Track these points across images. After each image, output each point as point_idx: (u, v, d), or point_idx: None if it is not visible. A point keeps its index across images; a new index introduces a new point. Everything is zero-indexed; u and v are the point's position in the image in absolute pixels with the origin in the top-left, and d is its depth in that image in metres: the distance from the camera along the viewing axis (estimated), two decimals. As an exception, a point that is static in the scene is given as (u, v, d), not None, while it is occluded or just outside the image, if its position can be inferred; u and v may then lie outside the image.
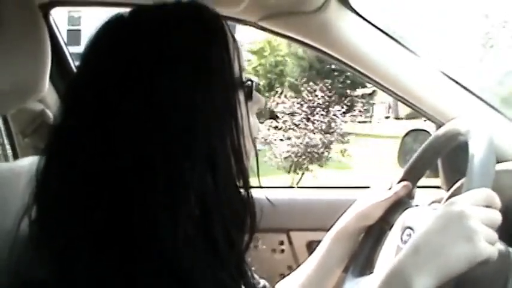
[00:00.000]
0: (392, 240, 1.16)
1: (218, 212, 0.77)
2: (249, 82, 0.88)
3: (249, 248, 0.90)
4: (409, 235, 1.10)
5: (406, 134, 1.70)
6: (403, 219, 1.16)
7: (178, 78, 0.76)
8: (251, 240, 0.86)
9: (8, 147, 1.70)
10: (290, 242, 1.86)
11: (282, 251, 1.88)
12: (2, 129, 1.72)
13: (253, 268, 1.11)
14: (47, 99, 1.45)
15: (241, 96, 0.85)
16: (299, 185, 9.53)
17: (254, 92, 0.91)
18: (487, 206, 0.86)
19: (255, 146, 0.90)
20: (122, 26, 0.82)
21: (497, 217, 0.86)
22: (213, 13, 0.85)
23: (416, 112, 1.65)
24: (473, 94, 1.56)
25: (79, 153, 0.75)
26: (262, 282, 1.15)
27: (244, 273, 0.87)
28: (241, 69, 0.85)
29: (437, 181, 1.61)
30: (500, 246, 0.93)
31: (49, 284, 0.70)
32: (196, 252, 0.74)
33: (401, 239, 1.12)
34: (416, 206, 1.20)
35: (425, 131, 1.62)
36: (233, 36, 0.86)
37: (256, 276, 1.11)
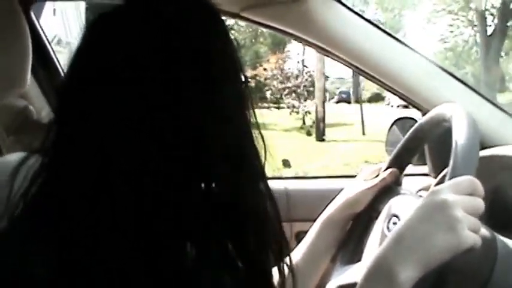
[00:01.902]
0: (379, 228, 1.16)
1: (244, 212, 0.79)
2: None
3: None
4: (395, 223, 1.10)
5: (393, 123, 1.70)
6: (389, 206, 1.16)
7: (198, 70, 0.76)
8: (281, 232, 0.88)
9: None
10: (278, 233, 1.85)
11: (271, 242, 1.86)
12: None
13: None
14: (30, 94, 1.45)
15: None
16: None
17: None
18: (470, 194, 0.86)
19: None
20: (124, 17, 0.80)
21: (480, 205, 0.85)
22: (209, 6, 0.84)
23: (402, 99, 1.64)
24: (459, 80, 1.55)
25: (77, 149, 0.74)
26: None
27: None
28: (240, 63, 0.85)
29: (425, 169, 1.61)
30: (486, 232, 0.93)
31: (47, 281, 0.70)
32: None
33: (387, 227, 1.12)
34: (404, 193, 1.19)
35: (412, 118, 1.62)
36: (229, 30, 0.86)
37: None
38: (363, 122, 18.09)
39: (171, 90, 0.74)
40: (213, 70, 0.78)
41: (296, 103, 19.62)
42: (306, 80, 19.43)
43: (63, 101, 0.80)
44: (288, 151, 11.78)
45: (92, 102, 0.75)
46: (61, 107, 0.80)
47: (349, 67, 1.64)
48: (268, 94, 19.73)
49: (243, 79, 0.85)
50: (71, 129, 0.76)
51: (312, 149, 14.79)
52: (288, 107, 20.04)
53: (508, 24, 25.05)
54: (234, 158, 0.78)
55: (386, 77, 1.58)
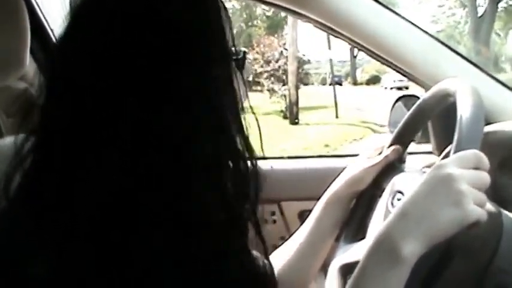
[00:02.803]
0: (383, 205, 1.16)
1: (223, 184, 0.78)
2: (244, 52, 0.88)
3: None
4: (399, 199, 1.09)
5: (397, 100, 1.69)
6: (393, 183, 1.16)
7: (177, 50, 0.75)
8: (255, 212, 0.86)
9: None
10: (282, 213, 1.87)
11: (274, 221, 1.88)
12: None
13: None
14: (30, 76, 1.43)
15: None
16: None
17: (246, 62, 0.90)
18: (476, 168, 0.85)
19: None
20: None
21: (485, 179, 0.84)
22: None
23: (405, 76, 1.64)
24: (462, 56, 1.54)
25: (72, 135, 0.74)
26: (253, 252, 1.15)
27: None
28: (233, 39, 0.84)
29: (429, 147, 1.60)
30: (491, 207, 0.92)
31: (46, 280, 0.69)
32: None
33: (392, 203, 1.12)
34: (408, 170, 1.19)
35: (416, 96, 1.61)
36: (224, 6, 0.84)
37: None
38: (336, 104, 18.23)
39: (156, 72, 0.74)
40: (198, 50, 0.77)
41: (276, 87, 19.71)
42: (285, 63, 19.40)
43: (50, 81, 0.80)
44: (258, 134, 11.83)
45: (78, 85, 0.74)
46: (49, 86, 0.79)
47: (351, 44, 1.63)
48: (250, 78, 19.81)
49: (235, 58, 0.85)
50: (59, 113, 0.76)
51: (284, 132, 14.87)
52: (268, 91, 20.15)
53: (499, 5, 25.14)
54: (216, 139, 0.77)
55: (388, 53, 1.58)
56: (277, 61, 20.02)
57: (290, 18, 18.55)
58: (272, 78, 19.95)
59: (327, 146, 12.19)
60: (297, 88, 18.23)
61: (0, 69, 1.08)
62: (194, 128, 0.75)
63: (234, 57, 0.85)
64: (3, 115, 1.60)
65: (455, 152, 0.88)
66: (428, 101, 1.17)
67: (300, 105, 18.73)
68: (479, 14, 26.10)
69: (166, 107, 0.74)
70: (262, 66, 20.06)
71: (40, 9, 1.72)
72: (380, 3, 1.55)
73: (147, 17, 0.76)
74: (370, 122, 16.16)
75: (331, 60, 22.10)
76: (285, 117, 18.20)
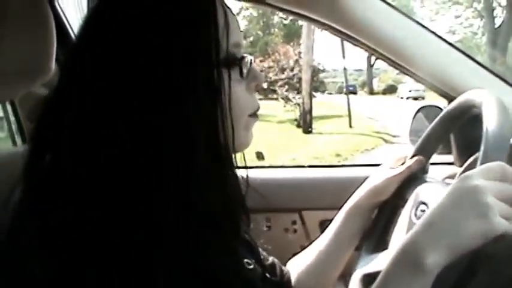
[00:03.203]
0: (406, 215, 1.15)
1: (204, 193, 0.78)
2: (242, 58, 0.88)
3: (246, 229, 0.91)
4: (423, 211, 1.09)
5: (418, 111, 1.68)
6: (416, 194, 1.15)
7: (157, 58, 0.77)
8: (247, 220, 0.90)
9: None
10: (303, 222, 1.86)
11: (295, 230, 1.87)
12: (11, 114, 1.72)
13: (264, 248, 1.11)
14: (54, 83, 1.44)
15: (234, 74, 0.85)
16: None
17: (251, 69, 0.91)
18: (502, 180, 0.84)
19: (253, 118, 0.92)
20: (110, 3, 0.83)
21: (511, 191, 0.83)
22: None
23: (428, 87, 1.63)
24: (483, 66, 1.53)
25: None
26: (271, 258, 1.15)
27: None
28: (230, 43, 0.84)
29: (450, 158, 1.59)
30: None
31: (47, 284, 0.70)
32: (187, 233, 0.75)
33: (415, 214, 1.11)
34: (431, 181, 1.18)
35: (437, 106, 1.60)
36: (226, 10, 0.85)
37: (264, 253, 1.12)
38: (349, 114, 18.17)
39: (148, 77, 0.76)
40: (177, 57, 0.78)
41: (291, 95, 19.71)
42: (300, 71, 19.40)
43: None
44: (271, 142, 11.88)
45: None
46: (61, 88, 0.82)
47: (369, 51, 1.62)
48: (265, 85, 19.85)
49: (233, 62, 0.86)
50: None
51: (296, 141, 14.86)
52: (283, 99, 20.16)
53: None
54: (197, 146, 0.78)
55: (408, 62, 1.57)
56: (292, 69, 20.04)
57: (305, 27, 18.54)
58: (286, 86, 19.97)
59: (338, 155, 12.16)
60: (310, 97, 18.19)
61: (26, 76, 1.09)
62: (193, 126, 0.77)
63: (235, 61, 0.86)
64: (27, 121, 1.61)
65: (481, 163, 0.88)
66: (452, 112, 1.17)
67: (315, 114, 18.70)
68: (496, 25, 26.01)
69: (165, 106, 0.76)
70: (276, 75, 20.09)
71: (65, 15, 1.74)
72: (399, 11, 1.55)
73: (147, 17, 0.78)
74: (382, 133, 16.11)
75: (345, 69, 22.06)
76: (298, 125, 18.18)
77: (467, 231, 0.79)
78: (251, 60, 0.91)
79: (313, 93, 19.89)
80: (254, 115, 0.92)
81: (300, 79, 19.24)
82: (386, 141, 14.49)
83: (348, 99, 18.86)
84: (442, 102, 1.63)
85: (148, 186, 0.74)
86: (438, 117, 1.21)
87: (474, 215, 0.80)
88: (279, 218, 1.86)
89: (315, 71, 20.96)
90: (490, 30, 26.22)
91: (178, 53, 0.77)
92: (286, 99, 20.05)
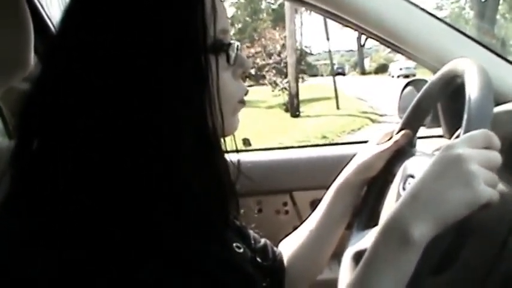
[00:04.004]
0: (394, 189, 1.15)
1: (192, 181, 0.78)
2: (229, 45, 0.87)
3: (237, 213, 0.94)
4: (411, 183, 1.08)
5: (405, 86, 1.68)
6: (404, 167, 1.15)
7: (142, 41, 0.76)
8: (235, 203, 0.89)
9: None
10: (294, 203, 1.86)
11: (286, 212, 1.88)
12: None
13: (256, 231, 1.11)
14: (35, 76, 1.43)
15: (221, 60, 0.85)
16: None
17: (238, 55, 0.90)
18: (486, 148, 0.83)
19: (241, 104, 0.92)
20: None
21: (496, 158, 0.83)
22: None
23: (414, 61, 1.62)
24: (469, 37, 1.53)
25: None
26: (263, 240, 1.15)
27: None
28: (217, 29, 0.83)
29: (440, 131, 1.59)
30: (503, 187, 0.91)
31: (40, 283, 0.69)
32: (177, 223, 0.76)
33: (403, 187, 1.11)
34: (419, 154, 1.18)
35: (424, 80, 1.59)
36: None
37: (255, 235, 1.12)
38: (336, 96, 18.19)
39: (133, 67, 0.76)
40: (164, 42, 0.77)
41: (278, 79, 19.73)
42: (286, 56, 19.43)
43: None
44: (259, 127, 11.85)
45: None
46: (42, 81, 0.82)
47: (358, 30, 1.61)
48: (252, 71, 19.83)
49: (220, 48, 0.85)
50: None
51: (284, 125, 14.85)
52: (270, 84, 20.16)
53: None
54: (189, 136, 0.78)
55: (400, 40, 1.56)
56: (279, 54, 20.06)
57: (287, 11, 18.52)
58: (274, 71, 19.98)
59: (324, 137, 12.20)
60: (297, 80, 18.22)
61: (4, 70, 1.08)
62: (181, 112, 0.77)
63: (222, 48, 0.86)
64: (11, 117, 1.60)
65: (465, 132, 0.87)
66: (436, 83, 1.16)
67: (304, 97, 18.75)
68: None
69: (152, 93, 0.75)
70: (264, 60, 20.10)
71: (43, 7, 1.72)
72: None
73: (131, 4, 0.77)
74: (369, 112, 16.18)
75: (329, 51, 22.04)
76: (286, 110, 18.17)
77: (452, 200, 0.79)
78: (238, 46, 0.90)
79: (305, 76, 19.88)
80: (242, 101, 0.92)
81: (286, 63, 19.25)
82: (373, 120, 14.55)
83: (334, 80, 18.89)
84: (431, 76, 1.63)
85: (136, 172, 0.74)
86: (422, 90, 1.21)
87: (458, 184, 0.79)
88: (269, 200, 1.86)
89: (302, 55, 20.94)
90: (477, 4, 26.24)
91: (165, 39, 0.77)
92: (274, 84, 20.10)
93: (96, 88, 0.75)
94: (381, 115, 15.38)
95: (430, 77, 1.55)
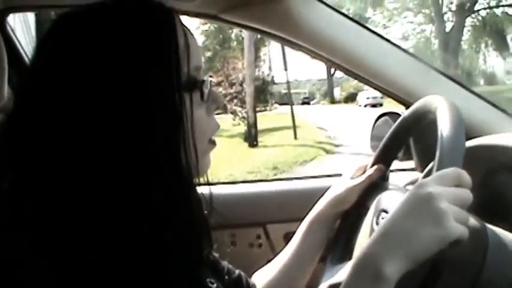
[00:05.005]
0: (368, 224, 1.15)
1: (167, 217, 0.78)
2: (203, 82, 0.88)
3: (211, 247, 0.95)
4: (384, 218, 1.09)
5: (378, 118, 1.69)
6: (377, 201, 1.16)
7: (117, 78, 0.76)
8: (208, 239, 0.89)
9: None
10: (267, 236, 1.85)
11: (260, 245, 1.86)
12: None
13: (230, 265, 1.11)
14: (10, 108, 1.42)
15: (195, 97, 0.85)
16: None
17: (211, 91, 0.91)
18: (457, 186, 0.84)
19: (212, 145, 0.93)
20: (66, 26, 0.82)
21: (467, 196, 0.84)
22: (160, 9, 0.84)
23: (386, 95, 1.64)
24: (435, 69, 1.56)
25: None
26: (237, 272, 1.15)
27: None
28: (190, 67, 0.84)
29: (412, 164, 1.61)
30: (475, 223, 0.92)
31: (40, 279, 0.69)
32: (152, 259, 0.76)
33: (376, 222, 1.11)
34: (391, 188, 1.19)
35: (396, 113, 1.61)
36: (186, 33, 0.85)
37: (230, 266, 1.11)
38: (294, 126, 18.19)
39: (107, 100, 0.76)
40: (137, 80, 0.77)
41: (238, 109, 19.79)
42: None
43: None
44: (214, 158, 11.78)
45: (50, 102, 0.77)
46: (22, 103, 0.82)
47: (331, 65, 1.63)
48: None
49: (194, 84, 0.86)
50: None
51: (240, 155, 14.75)
52: (231, 113, 20.22)
53: (467, 20, 25.61)
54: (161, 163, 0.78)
55: (368, 73, 1.58)
56: (241, 84, 20.15)
57: (246, 41, 18.61)
58: (235, 101, 20.03)
59: (275, 168, 12.07)
60: (254, 110, 18.16)
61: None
62: (154, 150, 0.77)
63: (196, 85, 0.86)
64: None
65: (437, 170, 0.88)
66: (408, 118, 1.18)
67: (267, 126, 18.71)
68: (447, 29, 26.55)
69: (125, 131, 0.76)
70: (225, 89, 20.18)
71: (17, 38, 1.71)
72: (354, 20, 1.56)
73: (105, 41, 0.78)
74: (325, 143, 16.12)
75: (288, 82, 22.10)
76: (246, 139, 18.14)
77: (423, 238, 0.80)
78: (211, 82, 0.90)
79: (276, 104, 19.88)
80: (212, 142, 0.93)
81: (245, 93, 19.34)
82: (327, 151, 14.49)
83: (292, 110, 18.86)
84: (401, 108, 1.65)
85: (108, 207, 0.74)
86: (395, 125, 1.22)
87: (429, 222, 0.80)
88: (243, 233, 1.85)
89: (265, 84, 21.04)
90: (442, 35, 26.72)
91: (139, 77, 0.77)
92: (234, 114, 20.13)
93: (70, 123, 0.75)
94: (336, 145, 15.41)
95: (402, 110, 1.59)
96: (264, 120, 19.84)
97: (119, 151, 0.75)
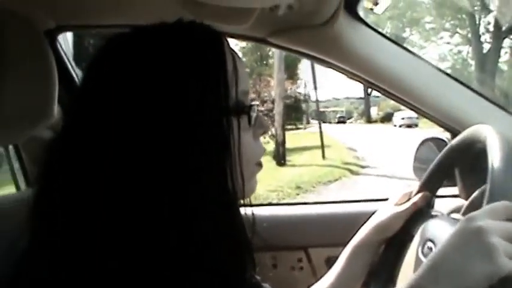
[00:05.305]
0: (413, 252, 1.14)
1: (211, 240, 0.77)
2: (251, 106, 0.88)
3: (253, 269, 0.91)
4: (430, 248, 1.08)
5: (421, 143, 1.68)
6: (423, 230, 1.15)
7: (165, 102, 0.76)
8: (251, 261, 0.87)
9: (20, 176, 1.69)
10: (309, 259, 1.84)
11: (301, 268, 1.85)
12: (14, 158, 1.70)
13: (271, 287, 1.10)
14: (58, 126, 1.44)
15: (242, 122, 0.85)
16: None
17: (258, 116, 0.91)
18: (508, 220, 0.83)
19: (258, 167, 0.92)
20: (117, 48, 0.83)
21: None
22: (210, 33, 0.85)
23: (432, 121, 1.63)
24: (488, 100, 1.54)
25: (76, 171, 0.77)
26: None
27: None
28: (238, 91, 0.85)
29: (455, 190, 1.59)
30: None
31: (51, 284, 0.71)
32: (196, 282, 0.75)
33: (422, 251, 1.10)
34: (436, 215, 1.18)
35: (441, 139, 1.60)
36: (234, 57, 0.85)
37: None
38: (322, 145, 17.99)
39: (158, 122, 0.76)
40: (187, 104, 0.77)
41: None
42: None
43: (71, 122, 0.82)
44: None
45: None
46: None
47: (376, 89, 1.63)
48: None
49: (241, 110, 0.85)
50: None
51: (267, 173, 14.32)
52: None
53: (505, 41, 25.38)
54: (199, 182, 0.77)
55: (414, 98, 1.57)
56: (272, 102, 20.16)
57: (276, 61, 18.61)
58: (266, 118, 20.01)
59: (298, 188, 11.93)
60: (283, 129, 18.05)
61: (28, 119, 1.09)
62: (201, 175, 0.77)
63: (244, 109, 0.86)
64: (31, 164, 1.60)
65: (487, 203, 0.87)
66: (456, 147, 1.17)
67: (298, 145, 18.55)
68: (484, 51, 26.32)
69: (173, 156, 0.75)
70: (257, 106, 20.23)
71: (68, 57, 1.75)
72: (405, 48, 1.56)
73: (156, 65, 0.78)
74: (352, 163, 15.86)
75: (317, 100, 22.01)
76: (274, 157, 18.04)
77: (472, 273, 0.78)
78: (257, 107, 0.91)
79: (311, 121, 19.79)
80: (259, 164, 0.92)
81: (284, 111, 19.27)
82: (352, 172, 14.30)
83: (321, 129, 18.67)
84: (435, 129, 1.64)
85: (154, 231, 0.74)
86: (442, 153, 1.22)
87: (478, 257, 0.79)
88: (284, 256, 1.84)
89: (297, 101, 20.95)
90: (479, 56, 26.51)
91: (188, 101, 0.77)
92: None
93: (119, 144, 0.75)
94: (363, 167, 15.22)
95: (446, 136, 1.57)
96: (296, 138, 19.70)
97: (165, 175, 0.75)
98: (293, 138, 19.84)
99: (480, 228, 0.81)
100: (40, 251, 0.76)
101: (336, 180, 13.04)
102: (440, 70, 1.58)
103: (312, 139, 22.14)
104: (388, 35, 1.56)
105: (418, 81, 1.56)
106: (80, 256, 0.72)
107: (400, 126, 29.67)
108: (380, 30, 1.54)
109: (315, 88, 20.39)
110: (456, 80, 1.57)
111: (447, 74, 1.57)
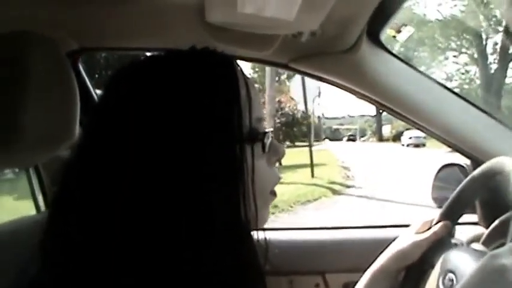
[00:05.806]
0: (433, 282, 1.13)
1: (221, 265, 0.77)
2: (265, 134, 0.88)
3: None
4: (451, 280, 1.07)
5: (440, 169, 1.68)
6: (444, 260, 1.14)
7: (179, 129, 0.76)
8: (264, 286, 0.86)
9: (40, 197, 1.70)
10: (326, 285, 1.82)
11: (319, 293, 1.84)
12: (34, 179, 1.71)
13: None
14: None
15: (256, 149, 0.85)
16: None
17: (272, 142, 0.91)
18: None
19: (273, 196, 0.92)
20: (135, 73, 0.84)
21: None
22: (224, 60, 0.85)
23: (454, 150, 1.63)
24: (482, 110, 1.54)
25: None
26: None
27: None
28: (252, 118, 0.85)
29: (475, 217, 1.59)
30: None
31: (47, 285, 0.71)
32: None
33: (443, 283, 1.10)
34: (456, 244, 1.17)
35: (460, 165, 1.60)
36: (248, 84, 0.86)
37: None
38: (311, 164, 17.85)
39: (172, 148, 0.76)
40: (201, 132, 0.77)
41: None
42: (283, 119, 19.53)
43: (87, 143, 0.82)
44: None
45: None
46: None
47: (398, 117, 1.63)
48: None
49: (255, 136, 0.85)
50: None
51: None
52: None
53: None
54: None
55: (436, 126, 1.57)
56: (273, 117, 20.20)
57: (268, 77, 18.68)
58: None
59: (275, 206, 11.73)
60: None
61: (51, 141, 1.09)
62: (213, 203, 0.76)
63: (258, 137, 0.86)
64: (50, 185, 1.61)
65: (511, 240, 0.87)
66: (479, 178, 1.17)
67: (296, 162, 18.51)
68: (491, 71, 26.37)
69: (186, 182, 0.75)
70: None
71: (88, 79, 1.76)
72: (426, 75, 1.56)
73: (171, 91, 0.78)
74: (337, 183, 15.70)
75: (319, 117, 22.14)
76: None
77: None
78: (271, 133, 0.90)
79: (319, 140, 19.80)
80: (273, 192, 0.92)
81: (280, 128, 19.25)
82: (334, 192, 14.13)
83: (311, 149, 18.45)
84: (443, 150, 1.64)
85: (165, 256, 0.74)
86: (464, 182, 1.21)
87: None
88: (302, 280, 1.82)
89: (294, 119, 20.99)
90: (485, 76, 26.56)
91: (200, 129, 0.77)
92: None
93: (134, 166, 0.75)
94: (348, 186, 15.09)
95: (464, 162, 1.56)
96: (297, 155, 19.58)
97: (177, 202, 0.75)
98: (295, 156, 19.70)
99: (504, 266, 0.80)
100: (52, 269, 0.76)
101: (316, 199, 12.83)
102: (464, 99, 1.58)
103: (315, 157, 22.14)
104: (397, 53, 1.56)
105: (441, 108, 1.56)
106: (94, 273, 0.72)
107: (408, 145, 29.66)
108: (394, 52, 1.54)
109: (305, 104, 20.39)
110: (479, 108, 1.57)
111: (469, 103, 1.57)
